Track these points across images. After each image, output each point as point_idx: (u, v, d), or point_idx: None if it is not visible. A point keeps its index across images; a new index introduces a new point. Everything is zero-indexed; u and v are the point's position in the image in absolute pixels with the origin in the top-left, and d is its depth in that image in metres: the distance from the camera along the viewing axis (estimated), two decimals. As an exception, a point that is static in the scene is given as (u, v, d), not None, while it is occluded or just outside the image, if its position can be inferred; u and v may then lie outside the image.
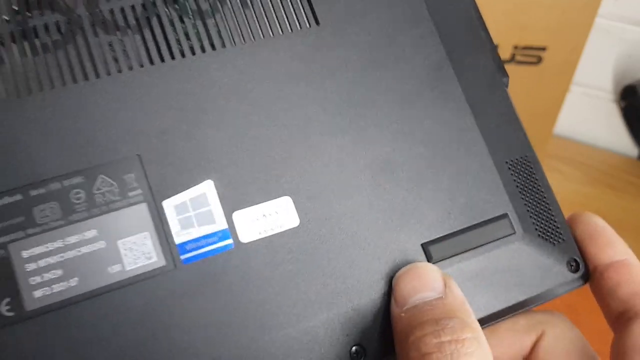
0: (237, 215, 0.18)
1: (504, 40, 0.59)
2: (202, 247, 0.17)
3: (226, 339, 0.16)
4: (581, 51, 0.60)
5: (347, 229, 0.18)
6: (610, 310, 0.22)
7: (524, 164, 0.21)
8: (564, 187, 0.66)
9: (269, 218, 0.18)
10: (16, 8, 0.18)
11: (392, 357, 0.18)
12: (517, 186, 0.20)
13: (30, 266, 0.16)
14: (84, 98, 0.17)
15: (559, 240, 0.21)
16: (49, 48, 0.18)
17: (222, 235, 0.17)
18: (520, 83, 0.62)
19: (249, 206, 0.18)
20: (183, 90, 0.18)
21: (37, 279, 0.16)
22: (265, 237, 0.18)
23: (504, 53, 0.60)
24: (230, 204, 0.18)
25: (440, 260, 0.19)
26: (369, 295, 0.18)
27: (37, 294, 0.16)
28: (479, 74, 0.21)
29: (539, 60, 0.60)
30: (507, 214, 0.20)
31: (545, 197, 0.21)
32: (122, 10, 0.19)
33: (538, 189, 0.21)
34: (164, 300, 0.16)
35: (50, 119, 0.17)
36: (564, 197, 0.78)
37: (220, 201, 0.17)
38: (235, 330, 0.16)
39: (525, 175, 0.21)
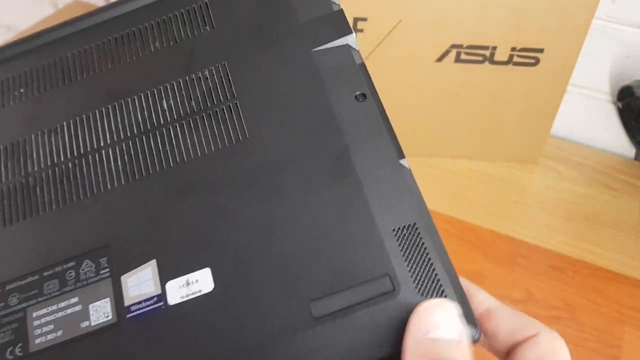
0: (169, 284, 0.24)
1: (502, 42, 0.59)
2: (142, 308, 0.24)
3: None
4: (578, 53, 0.60)
5: (249, 289, 0.24)
6: (500, 353, 0.24)
7: (411, 230, 0.24)
8: (561, 187, 0.67)
9: (191, 285, 0.24)
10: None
11: None
12: (402, 249, 0.24)
13: (36, 322, 0.24)
14: (82, 210, 0.26)
15: (442, 296, 0.23)
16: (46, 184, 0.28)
17: (157, 299, 0.24)
18: (518, 84, 0.62)
19: (178, 277, 0.24)
20: (145, 197, 0.26)
21: (38, 331, 0.24)
22: (187, 300, 0.24)
23: (502, 55, 0.60)
24: (165, 276, 0.24)
25: (324, 316, 0.23)
26: (266, 339, 0.23)
27: (37, 341, 0.24)
28: (375, 155, 0.26)
29: (537, 61, 0.61)
30: (387, 273, 0.23)
31: (430, 259, 0.24)
32: (114, 147, 0.28)
33: (423, 251, 0.24)
34: (112, 345, 0.23)
35: (64, 224, 0.26)
36: (560, 197, 0.78)
37: (159, 274, 0.24)
38: None
39: (411, 239, 0.24)
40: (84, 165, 0.27)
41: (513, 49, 0.60)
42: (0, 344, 0.24)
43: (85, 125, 0.29)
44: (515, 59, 0.60)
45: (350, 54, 0.28)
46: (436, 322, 0.21)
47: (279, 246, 0.24)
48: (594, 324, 0.53)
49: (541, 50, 0.60)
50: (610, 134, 0.73)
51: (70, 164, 0.28)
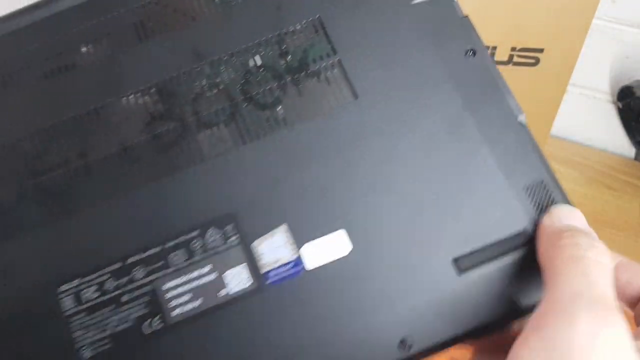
0: (304, 248, 0.24)
1: (502, 42, 0.59)
2: (280, 274, 0.23)
3: (300, 336, 0.23)
4: (578, 53, 0.60)
5: (390, 249, 0.24)
6: (631, 303, 0.25)
7: (541, 186, 0.24)
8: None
9: (327, 248, 0.24)
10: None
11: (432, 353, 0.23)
12: (534, 206, 0.24)
13: (170, 294, 0.23)
14: (196, 178, 0.25)
15: None
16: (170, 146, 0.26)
17: (294, 264, 0.23)
18: (518, 84, 0.62)
19: (313, 239, 0.24)
20: (262, 163, 0.25)
21: (174, 303, 0.23)
22: (326, 264, 0.23)
23: (502, 55, 0.60)
24: (299, 240, 0.24)
25: (468, 270, 0.23)
26: (410, 298, 0.23)
27: (175, 312, 0.23)
28: (493, 113, 0.25)
29: (537, 61, 0.61)
30: (524, 228, 0.24)
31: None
32: (216, 112, 0.26)
33: (554, 201, 0.25)
34: (255, 311, 0.23)
35: (179, 194, 0.25)
36: (562, 197, 0.76)
37: (293, 238, 0.24)
38: (308, 330, 0.23)
39: (542, 196, 0.24)
40: (185, 130, 0.26)
41: (513, 49, 0.60)
42: (135, 318, 0.23)
43: (176, 88, 0.26)
44: (515, 59, 0.60)
45: (453, 6, 0.27)
46: (566, 216, 0.23)
47: (412, 206, 0.24)
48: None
49: (541, 50, 0.60)
50: (610, 134, 0.73)
51: (170, 131, 0.26)
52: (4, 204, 0.25)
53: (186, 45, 0.27)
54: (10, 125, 0.26)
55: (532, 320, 0.20)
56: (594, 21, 0.60)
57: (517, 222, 0.24)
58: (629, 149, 0.73)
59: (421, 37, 0.26)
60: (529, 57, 0.60)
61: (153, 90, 0.26)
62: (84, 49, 0.28)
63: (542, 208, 0.24)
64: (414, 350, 0.22)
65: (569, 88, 0.70)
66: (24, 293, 0.24)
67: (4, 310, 0.23)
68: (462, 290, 0.23)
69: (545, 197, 0.24)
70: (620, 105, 0.71)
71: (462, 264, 0.23)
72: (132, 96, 0.26)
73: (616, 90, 0.71)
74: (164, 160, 0.25)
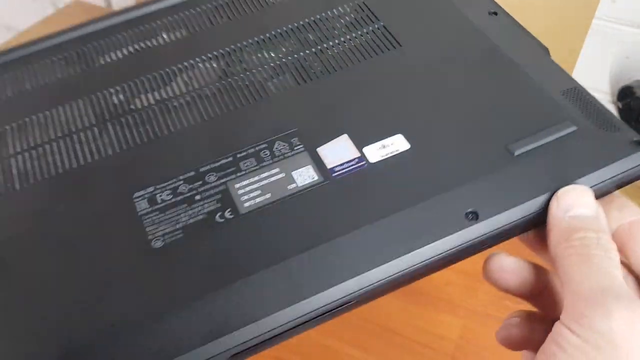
0: (366, 148, 0.28)
1: (502, 42, 0.59)
2: (345, 168, 0.27)
3: (367, 217, 0.25)
4: (578, 53, 0.60)
5: (444, 144, 0.27)
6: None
7: (576, 91, 0.29)
8: (562, 187, 0.66)
9: (388, 147, 0.27)
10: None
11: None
12: (573, 103, 0.28)
13: (241, 191, 0.26)
14: (262, 107, 0.30)
15: (619, 129, 0.28)
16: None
17: (357, 160, 0.27)
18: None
19: (373, 142, 0.28)
20: (321, 94, 0.30)
21: (245, 197, 0.26)
22: (387, 158, 0.27)
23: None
24: (361, 143, 0.28)
25: (522, 153, 0.27)
26: (471, 178, 0.26)
27: (246, 204, 0.26)
28: (524, 51, 0.31)
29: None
30: (568, 117, 0.28)
31: (596, 105, 0.28)
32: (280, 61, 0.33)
33: (590, 102, 0.28)
34: (323, 198, 0.26)
35: (248, 118, 0.30)
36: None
37: (354, 143, 0.28)
38: (375, 211, 0.25)
39: (579, 97, 0.28)
40: (254, 74, 0.32)
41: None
42: (207, 212, 0.25)
43: (245, 51, 0.33)
44: (516, 59, 0.60)
45: None
46: (573, 203, 0.24)
47: (462, 113, 0.28)
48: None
49: (541, 50, 0.60)
50: (611, 134, 0.73)
51: (241, 76, 0.32)
52: (92, 124, 0.30)
53: (256, 24, 0.34)
54: (104, 77, 0.32)
55: (564, 315, 0.21)
56: (594, 21, 0.60)
57: (558, 116, 0.28)
58: (629, 149, 0.73)
59: (447, 2, 0.34)
60: None
61: (224, 55, 0.33)
62: (164, 35, 0.35)
63: (580, 106, 0.28)
64: (481, 219, 0.25)
65: (569, 88, 0.70)
66: (103, 198, 0.27)
67: (85, 211, 0.26)
68: (517, 169, 0.26)
69: (580, 99, 0.28)
70: (620, 105, 0.71)
71: (515, 148, 0.27)
72: (206, 60, 0.33)
73: (616, 90, 0.71)
74: (234, 96, 0.31)
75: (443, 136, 0.27)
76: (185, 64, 0.32)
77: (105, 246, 0.25)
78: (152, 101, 0.31)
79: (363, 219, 0.25)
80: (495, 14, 0.33)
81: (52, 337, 0.22)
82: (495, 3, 0.33)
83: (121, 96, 0.31)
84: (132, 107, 0.31)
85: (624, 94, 0.70)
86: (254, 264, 0.23)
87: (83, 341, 0.22)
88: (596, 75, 0.71)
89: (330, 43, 0.32)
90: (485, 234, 0.24)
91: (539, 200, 0.25)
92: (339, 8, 0.34)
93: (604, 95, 0.73)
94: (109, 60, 0.34)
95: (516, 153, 0.26)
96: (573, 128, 0.27)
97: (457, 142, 0.27)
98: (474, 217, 0.24)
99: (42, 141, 0.29)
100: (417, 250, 0.24)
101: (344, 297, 0.23)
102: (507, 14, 0.33)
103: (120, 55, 0.34)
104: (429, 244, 0.24)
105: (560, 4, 0.56)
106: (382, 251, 0.23)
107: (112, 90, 0.31)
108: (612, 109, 0.73)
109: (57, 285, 0.24)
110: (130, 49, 0.34)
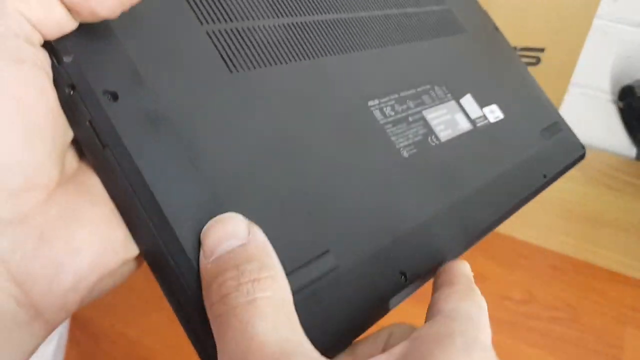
0: (484, 109, 0.35)
1: (503, 41, 0.59)
2: (480, 122, 0.34)
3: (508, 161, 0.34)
4: (579, 52, 0.60)
5: (519, 119, 0.37)
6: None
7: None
8: (562, 186, 0.66)
9: (492, 113, 0.35)
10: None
11: None
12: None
13: (433, 122, 0.31)
14: (413, 51, 0.35)
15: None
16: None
17: (483, 118, 0.34)
18: (519, 84, 0.62)
19: (485, 106, 0.35)
20: (457, 52, 0.37)
21: (439, 128, 0.31)
22: (493, 123, 0.35)
23: (503, 54, 0.60)
24: (480, 103, 0.35)
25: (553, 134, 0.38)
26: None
27: (442, 134, 0.31)
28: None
29: (538, 61, 0.60)
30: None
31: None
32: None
33: None
34: (477, 142, 0.33)
35: (406, 59, 0.34)
36: (561, 197, 0.78)
37: (477, 102, 0.35)
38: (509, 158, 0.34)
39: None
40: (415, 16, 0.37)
41: (514, 49, 0.60)
42: (422, 134, 0.30)
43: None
44: (516, 58, 0.60)
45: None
46: (215, 241, 0.18)
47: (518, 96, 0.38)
48: (595, 324, 0.52)
49: (542, 50, 0.60)
50: (611, 133, 0.73)
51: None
52: (322, 25, 0.31)
53: None
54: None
55: None
56: (595, 21, 0.59)
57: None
58: (629, 149, 0.73)
59: None
60: (530, 56, 0.60)
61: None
62: None
63: None
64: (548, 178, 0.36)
65: (570, 87, 0.70)
66: (343, 101, 0.28)
67: (326, 113, 0.27)
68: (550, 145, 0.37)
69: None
70: (621, 105, 0.71)
71: (548, 133, 0.37)
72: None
73: (617, 90, 0.71)
74: (410, 28, 0.36)
75: (518, 109, 0.37)
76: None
77: (360, 153, 0.27)
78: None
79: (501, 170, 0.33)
80: (496, 29, 0.43)
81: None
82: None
83: None
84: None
85: (625, 94, 0.70)
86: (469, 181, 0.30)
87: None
88: (597, 75, 0.71)
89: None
90: None
91: None
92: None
93: (604, 94, 0.72)
94: None
95: (549, 137, 0.38)
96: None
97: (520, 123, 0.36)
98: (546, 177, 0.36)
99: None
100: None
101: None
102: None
103: None
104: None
105: (562, 4, 0.56)
106: None
107: None
108: (613, 108, 0.73)
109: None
110: None
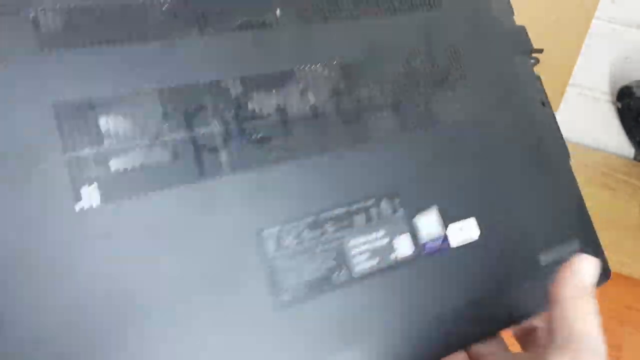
0: (449, 228, 0.28)
1: (502, 42, 0.60)
2: (433, 246, 0.28)
3: (452, 298, 0.28)
4: (578, 53, 0.60)
5: (508, 236, 0.30)
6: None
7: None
8: (562, 187, 0.67)
9: (464, 231, 0.29)
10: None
11: None
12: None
13: (353, 251, 0.26)
14: (373, 154, 0.29)
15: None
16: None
17: (442, 240, 0.28)
18: (518, 84, 0.62)
19: (454, 222, 0.29)
20: (422, 152, 0.30)
21: (357, 260, 0.26)
22: (463, 245, 0.28)
23: (502, 55, 0.60)
24: (445, 221, 0.28)
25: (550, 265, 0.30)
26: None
27: (357, 268, 0.26)
28: (557, 150, 0.34)
29: (536, 62, 0.61)
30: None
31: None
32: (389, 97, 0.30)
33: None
34: (415, 275, 0.27)
35: (360, 165, 0.28)
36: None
37: (442, 219, 0.28)
38: (457, 295, 0.28)
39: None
40: (365, 110, 0.29)
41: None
42: (327, 268, 0.25)
43: (352, 73, 0.30)
44: (515, 59, 0.60)
45: (533, 67, 0.36)
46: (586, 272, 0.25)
47: (518, 207, 0.31)
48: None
49: (541, 51, 0.60)
50: (610, 134, 0.74)
51: (351, 108, 0.29)
52: (212, 139, 0.26)
53: (368, 32, 0.30)
54: (210, 67, 0.27)
55: None
56: (594, 21, 0.60)
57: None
58: (628, 149, 0.73)
59: (516, 83, 0.35)
60: (528, 57, 0.60)
61: (337, 66, 0.29)
62: (278, 12, 0.29)
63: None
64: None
65: (569, 88, 0.70)
66: (227, 230, 0.24)
67: (210, 245, 0.24)
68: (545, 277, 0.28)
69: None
70: (620, 106, 0.71)
71: (543, 256, 0.30)
72: (319, 66, 0.29)
73: (616, 91, 0.71)
74: (349, 131, 0.28)
75: (508, 225, 0.30)
76: (300, 65, 0.28)
77: (228, 293, 0.23)
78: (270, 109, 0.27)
79: (446, 305, 0.27)
80: (544, 104, 0.35)
81: None
82: (544, 93, 0.36)
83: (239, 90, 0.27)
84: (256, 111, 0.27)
85: (624, 94, 0.70)
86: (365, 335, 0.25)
87: None
88: (596, 76, 0.71)
89: (420, 86, 0.31)
90: None
91: None
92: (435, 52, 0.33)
93: (603, 95, 0.73)
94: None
95: (542, 262, 0.30)
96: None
97: (516, 234, 0.30)
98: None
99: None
100: None
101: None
102: (550, 105, 0.36)
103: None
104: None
105: (560, 4, 0.57)
106: None
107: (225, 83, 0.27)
108: (612, 109, 0.73)
109: None
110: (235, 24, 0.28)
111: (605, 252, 0.43)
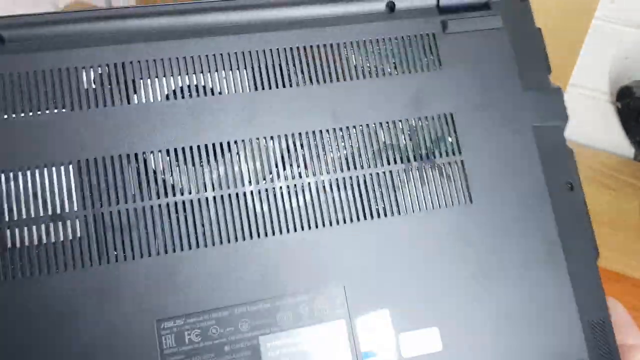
0: (401, 336, 0.25)
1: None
2: (376, 358, 0.24)
3: None
4: (578, 53, 0.60)
5: (473, 353, 0.25)
6: None
7: (603, 326, 0.27)
8: (561, 187, 0.67)
9: (421, 342, 0.25)
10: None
11: None
12: (596, 341, 0.27)
13: (270, 353, 0.23)
14: (313, 240, 0.25)
15: None
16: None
17: (391, 352, 0.24)
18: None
19: (409, 331, 0.25)
20: (374, 241, 0.26)
21: None
22: (418, 356, 0.24)
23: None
24: (398, 328, 0.25)
25: None
26: None
27: None
28: (580, 252, 0.28)
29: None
30: (582, 357, 0.26)
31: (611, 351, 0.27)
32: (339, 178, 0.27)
33: (612, 348, 0.27)
34: None
35: (294, 253, 0.25)
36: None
37: (392, 324, 0.25)
38: None
39: (603, 335, 0.27)
40: (304, 190, 0.26)
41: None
42: None
43: (307, 144, 0.26)
44: (515, 59, 0.60)
45: (563, 138, 0.29)
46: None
47: (496, 318, 0.26)
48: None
49: (541, 51, 0.60)
50: (610, 134, 0.73)
51: (286, 188, 0.26)
52: (126, 218, 0.24)
53: (325, 103, 0.27)
54: (139, 139, 0.25)
55: None
56: (593, 21, 0.60)
57: (578, 350, 0.26)
58: (628, 149, 0.73)
59: (534, 159, 0.28)
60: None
61: (285, 139, 0.26)
62: (223, 75, 0.27)
63: (598, 346, 0.27)
64: None
65: (569, 88, 0.70)
66: (126, 319, 0.22)
67: (103, 333, 0.22)
68: None
69: (603, 338, 0.27)
70: (620, 106, 0.71)
71: None
72: (263, 139, 0.26)
73: (615, 91, 0.71)
74: (288, 215, 0.25)
75: (474, 340, 0.26)
76: (245, 137, 0.26)
77: None
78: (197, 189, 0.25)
79: None
80: (572, 187, 0.29)
81: None
82: (576, 172, 0.29)
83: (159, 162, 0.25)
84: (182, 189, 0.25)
85: (623, 94, 0.70)
86: None
87: None
88: (595, 76, 0.71)
89: (402, 168, 0.27)
90: None
91: None
92: (425, 115, 0.28)
93: (603, 95, 0.73)
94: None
95: None
96: None
97: (486, 355, 0.26)
98: None
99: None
100: None
101: None
102: (581, 189, 0.30)
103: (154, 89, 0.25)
104: None
105: (560, 4, 0.57)
106: None
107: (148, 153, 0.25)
108: (612, 109, 0.73)
109: None
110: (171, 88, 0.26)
111: (605, 252, 0.42)
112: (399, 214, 0.26)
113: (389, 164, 0.27)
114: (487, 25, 0.29)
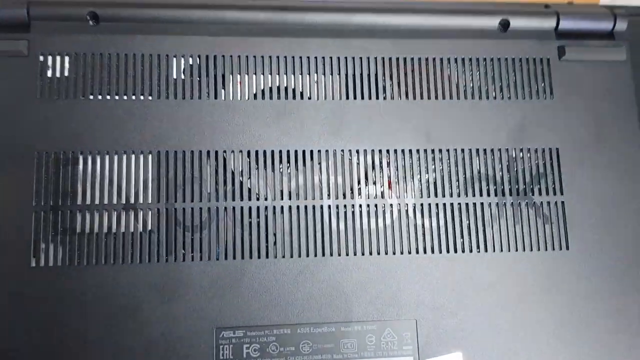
0: None
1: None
2: None
3: None
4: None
5: None
6: None
7: None
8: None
9: None
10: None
11: None
12: None
13: None
14: (388, 265, 0.24)
15: None
16: None
17: None
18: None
19: None
20: (456, 275, 0.24)
21: None
22: None
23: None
24: None
25: None
26: None
27: None
28: None
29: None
30: None
31: None
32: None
33: None
34: None
35: (369, 276, 0.23)
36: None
37: None
38: None
39: None
40: (385, 212, 0.24)
41: None
42: None
43: (393, 163, 0.25)
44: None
45: None
46: None
47: None
48: None
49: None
50: None
51: (366, 207, 0.24)
52: (199, 217, 0.23)
53: (418, 121, 0.25)
54: (222, 137, 0.24)
55: None
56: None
57: None
58: None
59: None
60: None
61: (371, 154, 0.25)
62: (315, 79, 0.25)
63: None
64: None
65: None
66: (185, 322, 0.22)
67: (160, 332, 0.22)
68: None
69: None
70: None
71: None
72: (348, 152, 0.24)
73: None
74: (365, 236, 0.24)
75: None
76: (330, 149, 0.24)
77: None
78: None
79: None
80: None
81: None
82: None
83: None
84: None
85: None
86: None
87: None
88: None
89: (485, 196, 0.25)
90: None
91: None
92: (528, 147, 0.25)
93: None
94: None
95: None
96: None
97: None
98: None
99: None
100: None
101: None
102: None
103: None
104: None
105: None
106: None
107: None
108: None
109: None
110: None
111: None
112: (486, 251, 0.24)
113: (481, 195, 0.25)
114: (609, 57, 0.26)
